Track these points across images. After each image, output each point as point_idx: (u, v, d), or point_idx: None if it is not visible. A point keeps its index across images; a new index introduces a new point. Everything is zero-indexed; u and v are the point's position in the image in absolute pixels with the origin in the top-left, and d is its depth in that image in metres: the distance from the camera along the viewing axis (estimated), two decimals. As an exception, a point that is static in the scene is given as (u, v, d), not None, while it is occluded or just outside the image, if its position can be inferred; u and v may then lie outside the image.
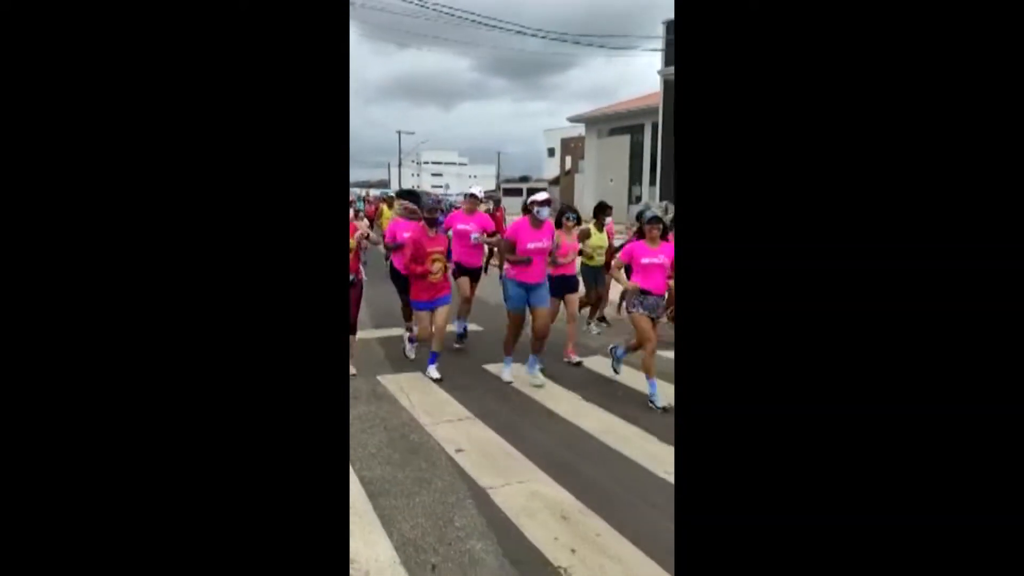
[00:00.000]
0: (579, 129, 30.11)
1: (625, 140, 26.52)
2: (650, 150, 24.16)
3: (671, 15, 21.20)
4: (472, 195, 5.95)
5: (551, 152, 39.79)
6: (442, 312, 4.92)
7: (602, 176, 27.71)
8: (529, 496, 3.00)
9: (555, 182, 30.51)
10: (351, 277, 4.64)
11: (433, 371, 4.94)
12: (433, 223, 4.89)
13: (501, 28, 20.39)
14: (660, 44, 20.75)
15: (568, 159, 32.50)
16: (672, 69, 19.74)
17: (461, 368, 5.29)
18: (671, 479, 3.18)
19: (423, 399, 4.48)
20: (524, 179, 44.24)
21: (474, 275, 5.94)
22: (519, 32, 16.68)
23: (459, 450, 3.56)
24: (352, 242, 4.63)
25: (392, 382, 4.87)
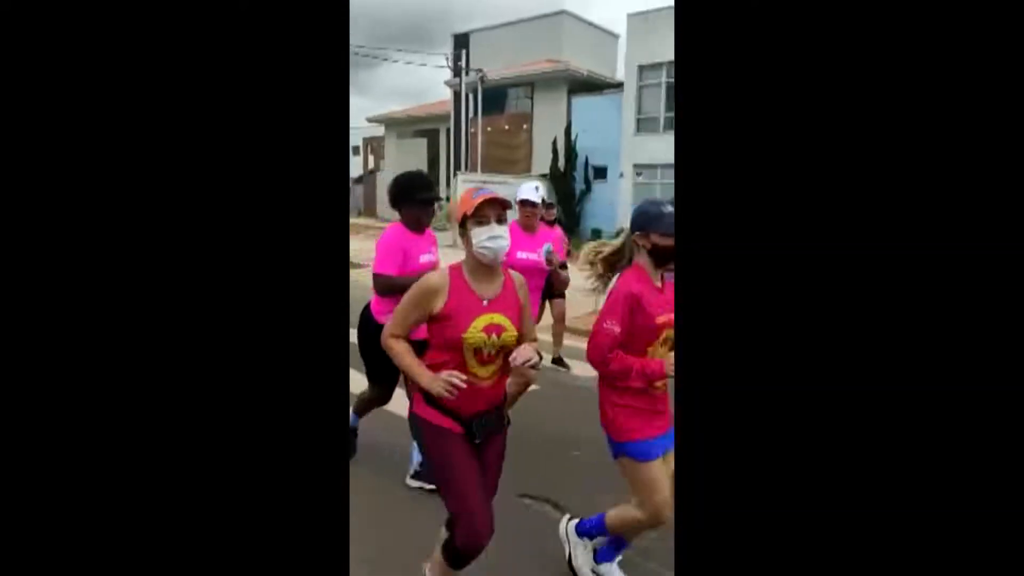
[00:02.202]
0: (382, 130, 30.99)
1: (423, 143, 27.95)
2: (446, 153, 25.88)
3: (458, 28, 23.12)
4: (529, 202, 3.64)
5: (355, 151, 39.96)
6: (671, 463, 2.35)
7: (402, 177, 28.68)
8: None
9: (359, 180, 30.93)
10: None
11: None
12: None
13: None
14: (448, 58, 22.49)
15: (371, 159, 33.27)
16: (457, 80, 21.59)
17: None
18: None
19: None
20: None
21: None
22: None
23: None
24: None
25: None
